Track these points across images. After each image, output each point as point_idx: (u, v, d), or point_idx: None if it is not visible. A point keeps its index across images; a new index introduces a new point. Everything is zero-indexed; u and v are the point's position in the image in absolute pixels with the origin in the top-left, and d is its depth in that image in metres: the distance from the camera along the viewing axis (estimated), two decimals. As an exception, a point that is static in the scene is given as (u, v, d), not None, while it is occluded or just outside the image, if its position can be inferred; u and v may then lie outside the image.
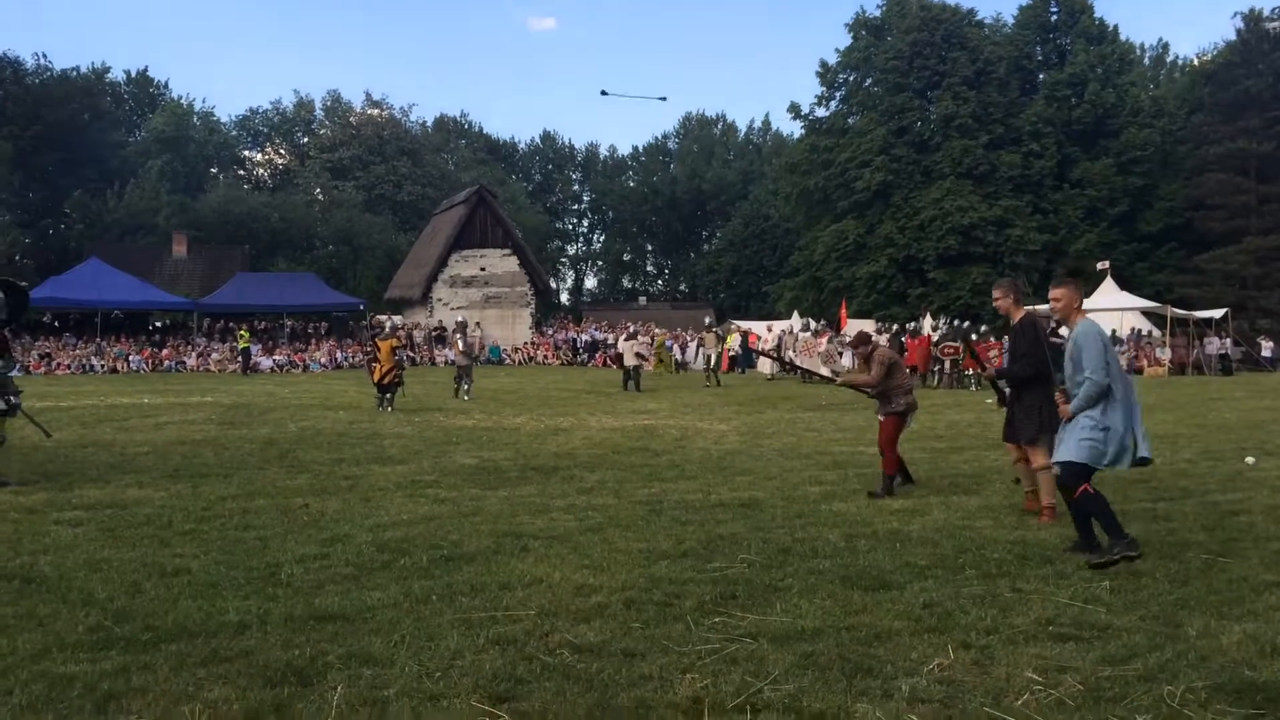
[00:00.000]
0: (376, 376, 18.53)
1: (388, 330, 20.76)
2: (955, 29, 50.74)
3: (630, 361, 25.36)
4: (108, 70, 69.65)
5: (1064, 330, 7.82)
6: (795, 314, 39.37)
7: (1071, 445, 6.29)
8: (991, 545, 6.82)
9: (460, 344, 22.64)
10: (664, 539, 7.04)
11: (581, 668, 4.38)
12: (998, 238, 47.57)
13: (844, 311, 37.57)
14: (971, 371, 26.65)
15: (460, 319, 25.35)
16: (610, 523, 7.65)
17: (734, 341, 34.20)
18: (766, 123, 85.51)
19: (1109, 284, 36.02)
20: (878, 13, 54.54)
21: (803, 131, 57.65)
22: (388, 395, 18.37)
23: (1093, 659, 4.51)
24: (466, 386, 21.65)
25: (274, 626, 4.93)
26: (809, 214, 56.61)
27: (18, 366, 9.30)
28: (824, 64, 55.79)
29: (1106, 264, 35.43)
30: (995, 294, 7.98)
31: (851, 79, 55.17)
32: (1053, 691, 4.11)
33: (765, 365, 32.03)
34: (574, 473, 10.41)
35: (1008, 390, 8.30)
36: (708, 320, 34.67)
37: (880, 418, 9.28)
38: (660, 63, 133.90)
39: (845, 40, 56.91)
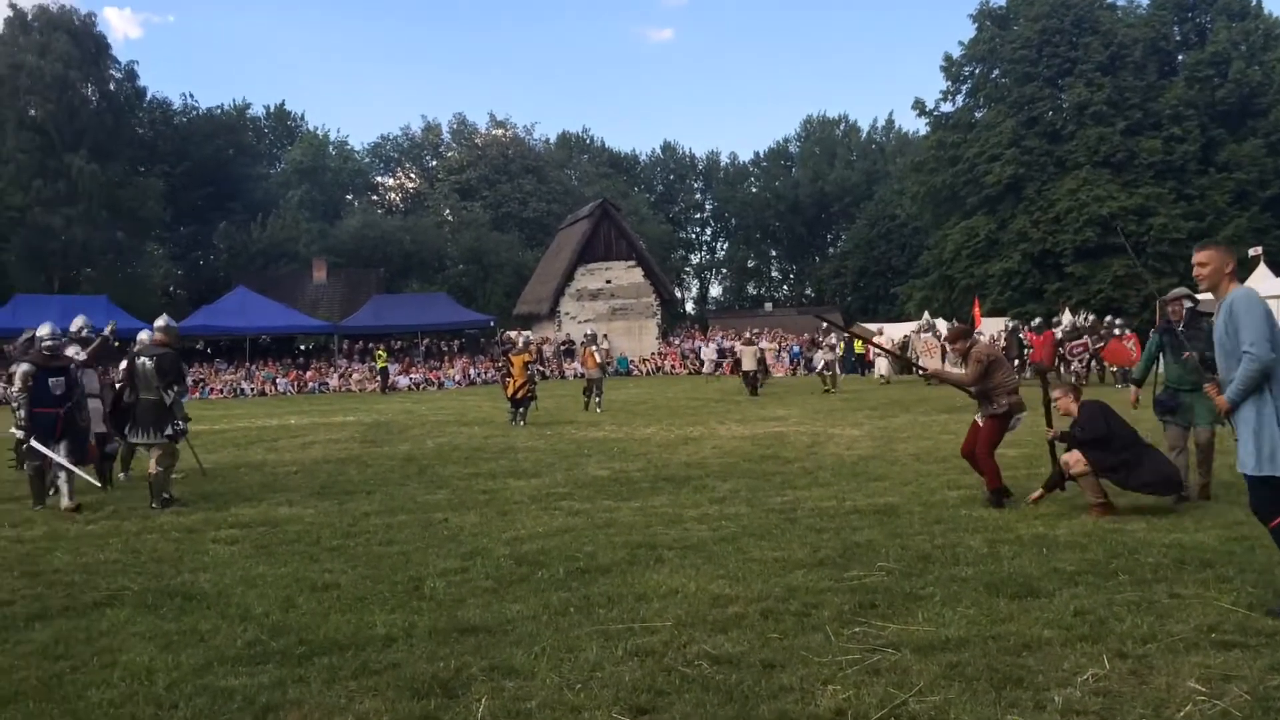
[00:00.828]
0: (510, 391, 18.90)
1: (520, 345, 21.15)
2: (1086, 13, 48.89)
3: (749, 366, 25.57)
4: (249, 106, 73.13)
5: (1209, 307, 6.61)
6: (925, 314, 38.32)
7: (1250, 448, 5.05)
8: (1145, 549, 6.51)
9: (595, 356, 22.83)
10: (799, 548, 6.96)
11: (720, 679, 4.35)
12: (1139, 227, 45.49)
13: (977, 310, 36.57)
14: (1111, 366, 25.66)
15: (589, 331, 25.65)
16: (744, 532, 7.61)
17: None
18: (890, 121, 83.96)
19: (1263, 271, 33.99)
20: (1003, 1, 53.00)
21: (928, 128, 56.44)
22: (520, 410, 18.70)
23: (1260, 667, 4.26)
24: (598, 399, 21.86)
25: (419, 639, 5.06)
26: (937, 212, 55.36)
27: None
28: (948, 57, 54.51)
29: (1259, 250, 33.46)
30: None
31: (977, 71, 53.71)
32: (1217, 702, 3.90)
33: (882, 366, 31.33)
34: (706, 482, 10.39)
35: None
36: (825, 325, 33.96)
37: (979, 420, 8.79)
38: (779, 66, 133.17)
39: (969, 32, 55.52)
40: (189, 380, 36.63)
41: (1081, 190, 46.31)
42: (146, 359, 9.88)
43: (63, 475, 9.70)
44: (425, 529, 8.19)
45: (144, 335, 10.81)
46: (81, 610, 5.84)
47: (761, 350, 30.13)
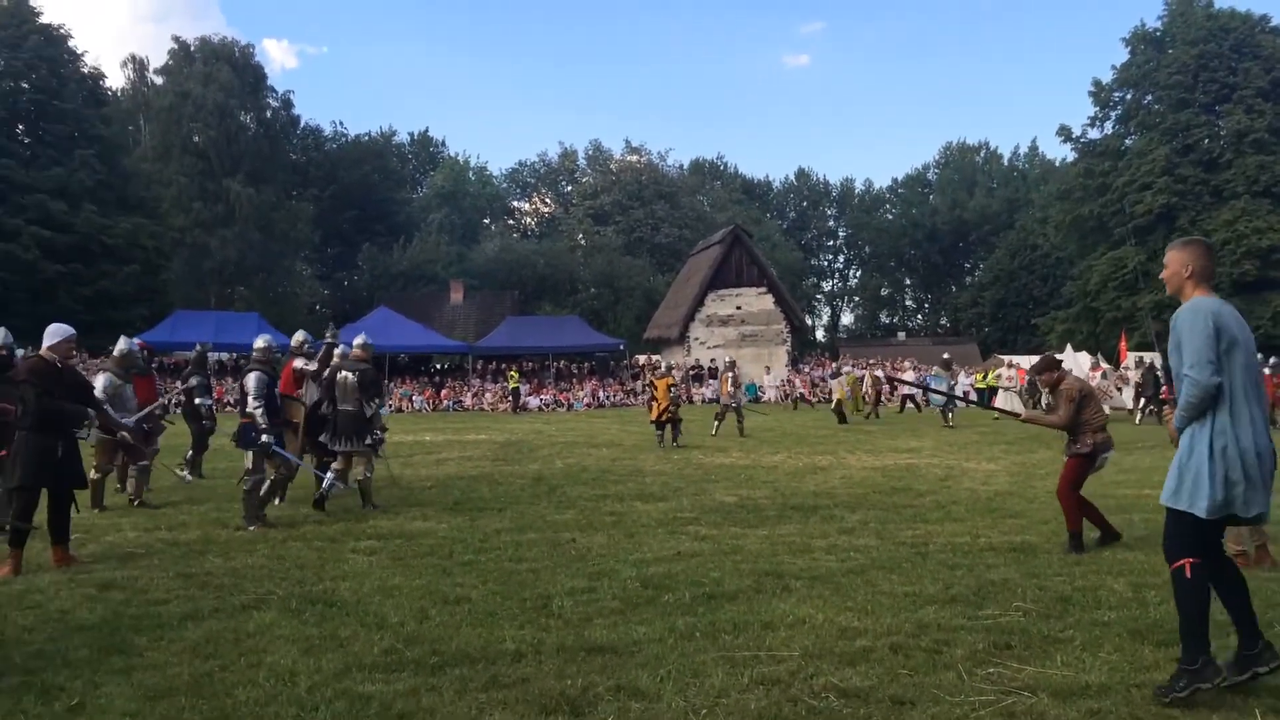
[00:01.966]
0: (654, 415, 19.11)
1: (663, 369, 21.33)
2: (1246, 37, 46.79)
3: (840, 396, 25.53)
4: (394, 133, 76.19)
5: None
6: (1069, 346, 36.85)
7: (1172, 479, 4.60)
8: (1306, 601, 6.13)
9: (729, 382, 22.72)
10: (931, 583, 6.79)
11: (848, 712, 4.29)
12: (1302, 260, 43.15)
13: (1124, 344, 35.16)
14: None
15: (729, 358, 25.63)
16: (873, 564, 7.47)
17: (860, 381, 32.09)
18: (1033, 148, 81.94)
19: None
20: (1158, 24, 51.12)
21: (1074, 155, 54.76)
22: (667, 430, 18.95)
23: None
24: (739, 423, 21.78)
25: (547, 656, 5.14)
26: (1082, 242, 53.59)
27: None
28: (1097, 83, 52.87)
29: None
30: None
31: (1129, 97, 51.90)
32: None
33: (1001, 400, 29.89)
34: (834, 512, 10.25)
35: None
36: (945, 356, 32.56)
37: (1065, 457, 8.35)
38: (918, 92, 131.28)
39: (1120, 57, 53.77)
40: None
41: (1240, 221, 44.20)
42: (349, 373, 10.43)
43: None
44: (554, 548, 8.30)
45: (340, 349, 11.32)
46: (230, 612, 6.12)
47: (878, 379, 29.52)
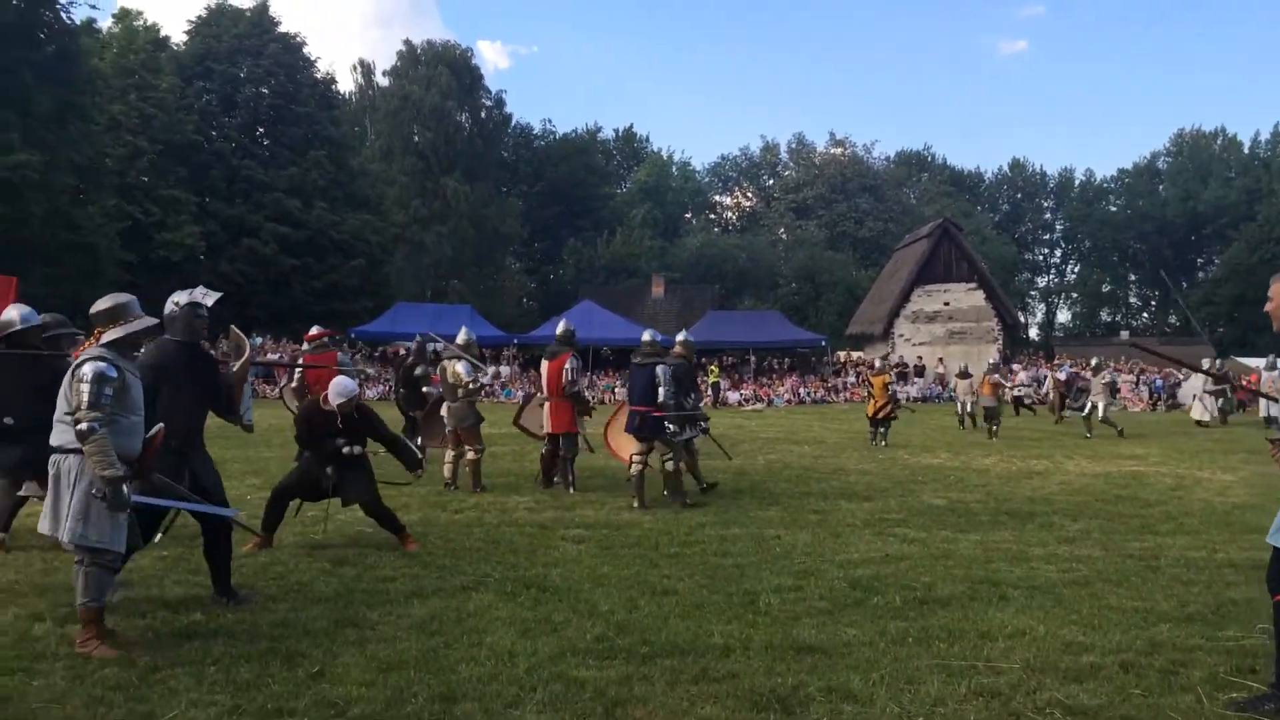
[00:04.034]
0: (871, 411, 18.90)
1: (879, 366, 20.93)
2: None
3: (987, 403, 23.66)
4: (600, 130, 77.73)
5: None
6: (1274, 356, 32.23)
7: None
8: None
9: (991, 383, 21.77)
10: (1163, 599, 6.39)
11: (1075, 732, 4.08)
12: None
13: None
14: None
15: (993, 359, 24.78)
16: (1098, 577, 7.09)
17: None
18: (1276, 134, 75.38)
19: None
20: None
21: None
22: (881, 429, 18.60)
23: None
24: (995, 427, 20.94)
25: (755, 653, 5.13)
26: (1334, 234, 49.02)
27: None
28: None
29: None
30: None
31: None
32: None
33: (1197, 410, 26.97)
34: (1053, 519, 9.78)
35: None
36: (1096, 361, 29.59)
37: None
38: (1145, 77, 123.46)
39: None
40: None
41: None
42: (666, 368, 10.65)
43: None
44: (758, 544, 8.29)
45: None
46: (451, 592, 6.42)
47: (1059, 381, 27.63)
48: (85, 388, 4.93)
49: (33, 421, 6.30)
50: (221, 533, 6.11)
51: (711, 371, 39.02)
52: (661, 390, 10.31)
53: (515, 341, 43.25)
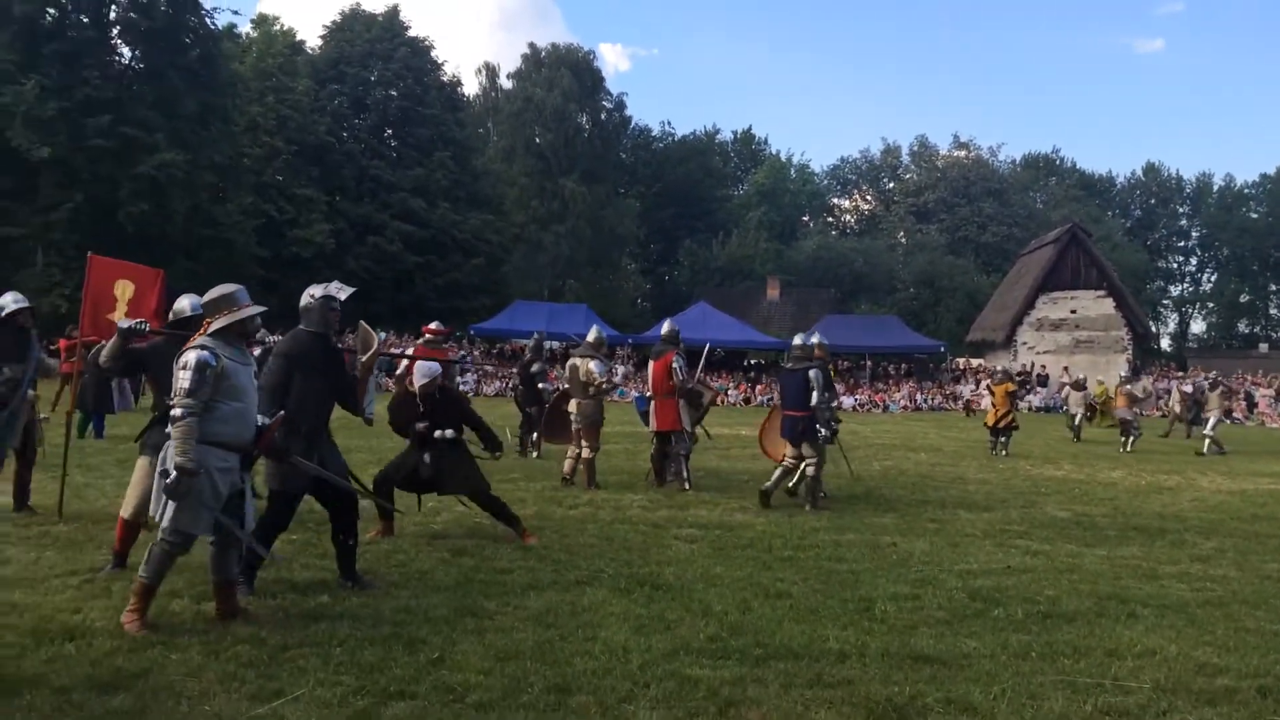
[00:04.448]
0: (991, 420, 18.52)
1: (1001, 374, 20.44)
2: None
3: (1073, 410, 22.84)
4: (718, 132, 77.59)
5: None
6: None
7: None
8: None
9: (1127, 394, 21.17)
10: (1307, 624, 6.08)
11: (1210, 758, 3.92)
12: None
13: None
14: None
15: (1124, 372, 24.05)
16: (1234, 598, 6.78)
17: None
18: None
19: None
20: None
21: None
22: (1003, 439, 18.20)
23: None
24: (1133, 438, 20.24)
25: (872, 660, 5.06)
26: None
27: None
28: None
29: None
30: None
31: None
32: None
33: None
34: (1184, 537, 9.39)
35: None
36: (1213, 375, 27.69)
37: None
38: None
39: None
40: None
41: None
42: (819, 372, 10.73)
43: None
44: (873, 550, 8.17)
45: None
46: (566, 586, 6.50)
47: (1185, 394, 26.24)
48: (185, 374, 5.12)
49: None
50: (348, 520, 6.32)
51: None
52: (814, 394, 10.41)
53: (630, 341, 43.50)
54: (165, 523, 5.16)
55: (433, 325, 14.74)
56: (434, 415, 8.04)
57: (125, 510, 6.55)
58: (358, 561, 6.42)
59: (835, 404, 11.59)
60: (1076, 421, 23.02)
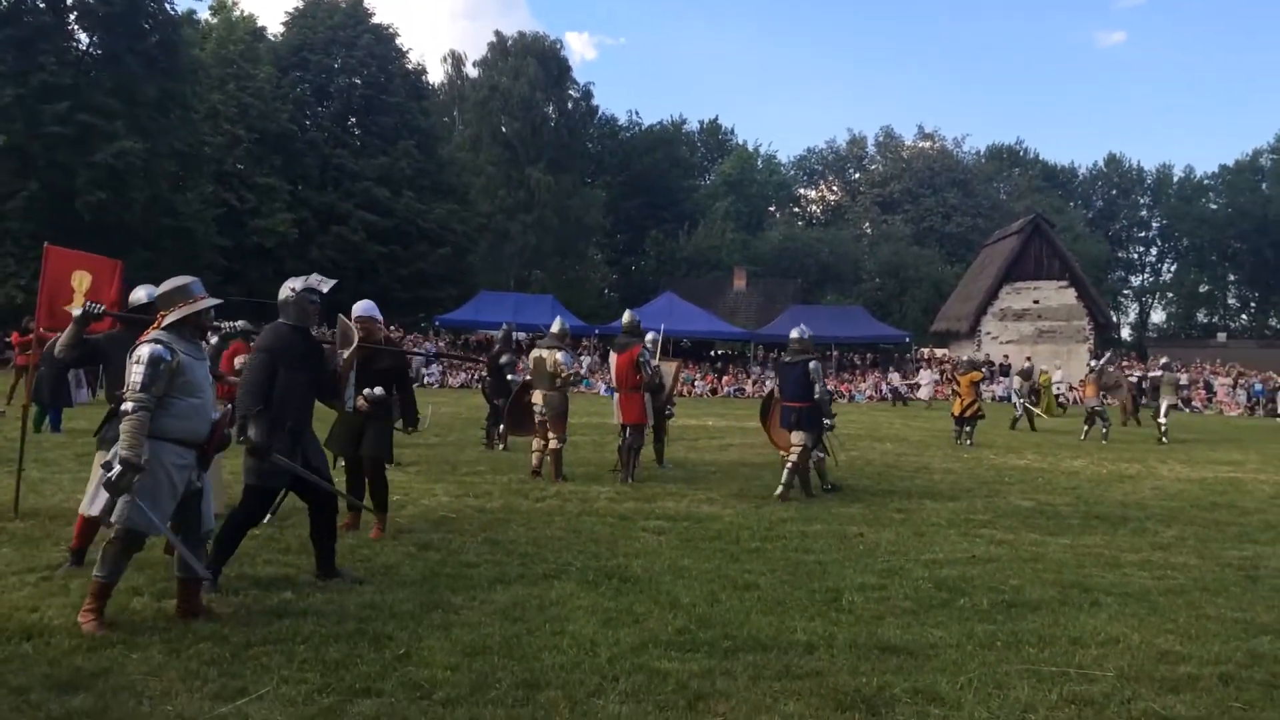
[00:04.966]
0: (957, 409, 18.61)
1: (966, 364, 20.54)
2: None
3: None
4: (684, 122, 77.49)
5: None
6: None
7: None
8: None
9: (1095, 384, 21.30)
10: (1265, 611, 6.16)
11: (1173, 745, 3.96)
12: None
13: None
14: None
15: (1093, 362, 24.21)
16: (1194, 585, 6.86)
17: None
18: (1390, 130, 72.01)
19: None
20: None
21: None
22: (966, 429, 18.35)
23: None
24: (1103, 429, 20.13)
25: (839, 651, 5.07)
26: None
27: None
28: None
29: None
30: None
31: None
32: None
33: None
34: (1146, 525, 9.50)
35: None
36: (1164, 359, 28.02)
37: None
38: (1249, 71, 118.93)
39: None
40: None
41: None
42: (818, 365, 10.85)
43: None
44: (840, 541, 8.20)
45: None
46: (533, 579, 6.46)
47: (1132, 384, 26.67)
48: (138, 369, 5.01)
49: None
50: (328, 517, 6.27)
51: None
52: (817, 386, 10.61)
53: (596, 332, 43.42)
54: (116, 520, 5.04)
55: None
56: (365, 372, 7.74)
57: (84, 507, 6.44)
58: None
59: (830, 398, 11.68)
60: (1019, 410, 23.32)
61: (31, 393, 10.55)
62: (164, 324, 5.26)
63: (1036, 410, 24.01)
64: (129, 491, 4.96)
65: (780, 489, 10.49)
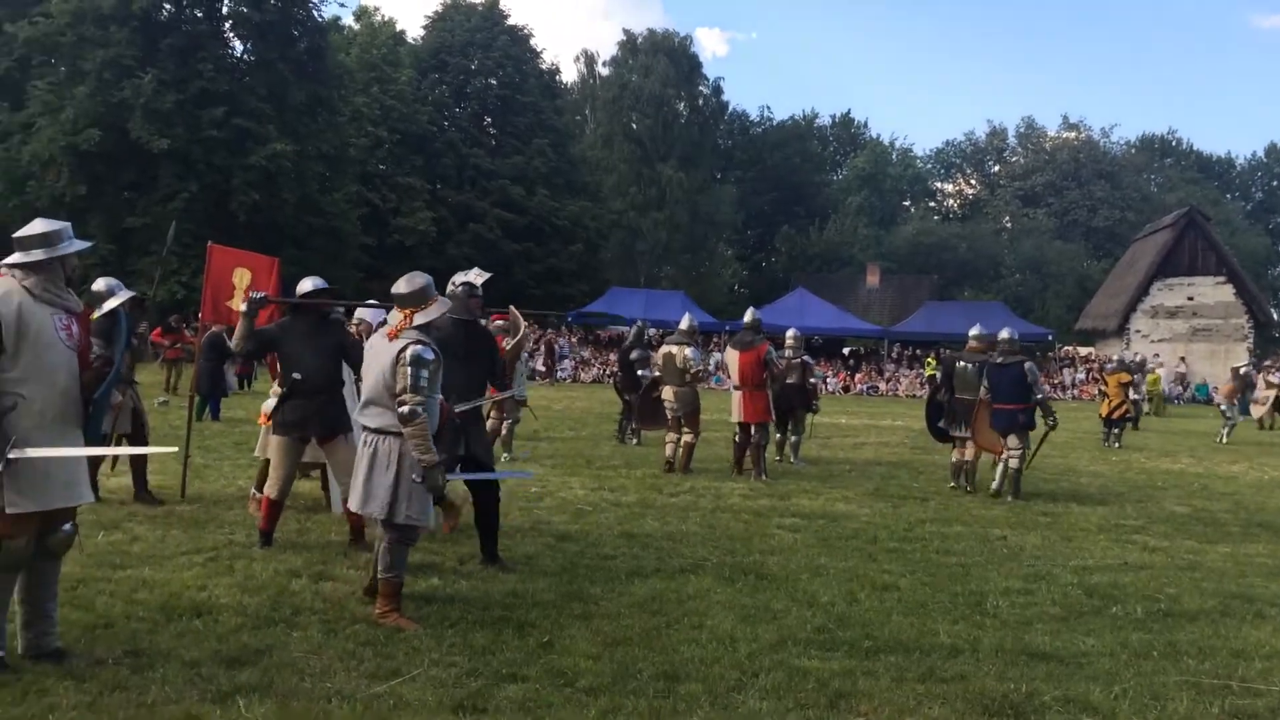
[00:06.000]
0: (1104, 411, 18.05)
1: (1115, 364, 19.82)
2: None
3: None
4: (816, 116, 76.53)
5: None
6: None
7: None
8: None
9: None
10: None
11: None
12: None
13: None
14: None
15: (1244, 367, 22.97)
16: (1371, 599, 6.45)
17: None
18: None
19: None
20: None
21: None
22: (1115, 430, 17.77)
23: None
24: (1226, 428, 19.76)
25: (985, 655, 4.96)
26: None
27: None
28: None
29: None
30: None
31: None
32: None
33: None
34: (1314, 535, 8.98)
35: None
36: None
37: None
38: None
39: None
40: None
41: None
42: (968, 364, 10.94)
43: None
44: (983, 544, 8.00)
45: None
46: (670, 574, 6.50)
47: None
48: (409, 371, 5.03)
49: (323, 380, 6.84)
50: (490, 503, 6.49)
51: (928, 364, 37.89)
52: (1035, 387, 10.56)
53: (727, 328, 43.26)
54: (401, 519, 5.16)
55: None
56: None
57: (270, 490, 6.78)
58: (461, 546, 6.54)
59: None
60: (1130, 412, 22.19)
61: (195, 384, 11.19)
62: (415, 324, 5.23)
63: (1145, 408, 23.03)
64: (440, 490, 5.24)
65: (994, 485, 10.60)
